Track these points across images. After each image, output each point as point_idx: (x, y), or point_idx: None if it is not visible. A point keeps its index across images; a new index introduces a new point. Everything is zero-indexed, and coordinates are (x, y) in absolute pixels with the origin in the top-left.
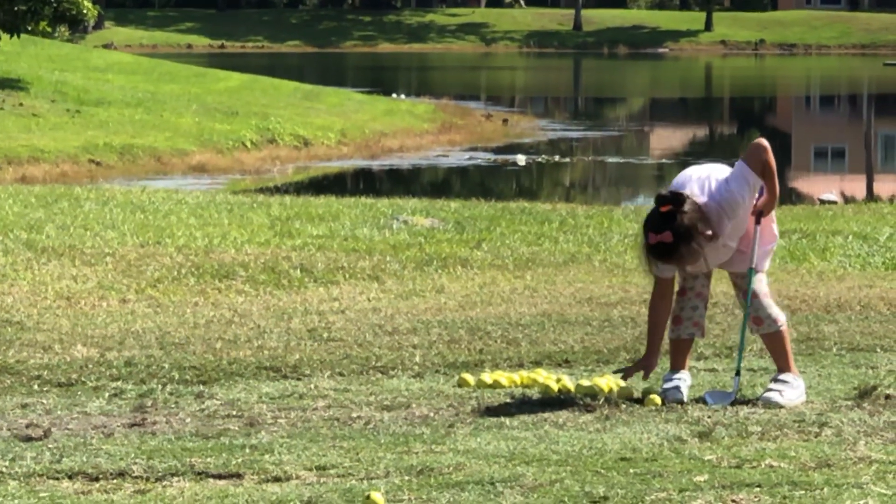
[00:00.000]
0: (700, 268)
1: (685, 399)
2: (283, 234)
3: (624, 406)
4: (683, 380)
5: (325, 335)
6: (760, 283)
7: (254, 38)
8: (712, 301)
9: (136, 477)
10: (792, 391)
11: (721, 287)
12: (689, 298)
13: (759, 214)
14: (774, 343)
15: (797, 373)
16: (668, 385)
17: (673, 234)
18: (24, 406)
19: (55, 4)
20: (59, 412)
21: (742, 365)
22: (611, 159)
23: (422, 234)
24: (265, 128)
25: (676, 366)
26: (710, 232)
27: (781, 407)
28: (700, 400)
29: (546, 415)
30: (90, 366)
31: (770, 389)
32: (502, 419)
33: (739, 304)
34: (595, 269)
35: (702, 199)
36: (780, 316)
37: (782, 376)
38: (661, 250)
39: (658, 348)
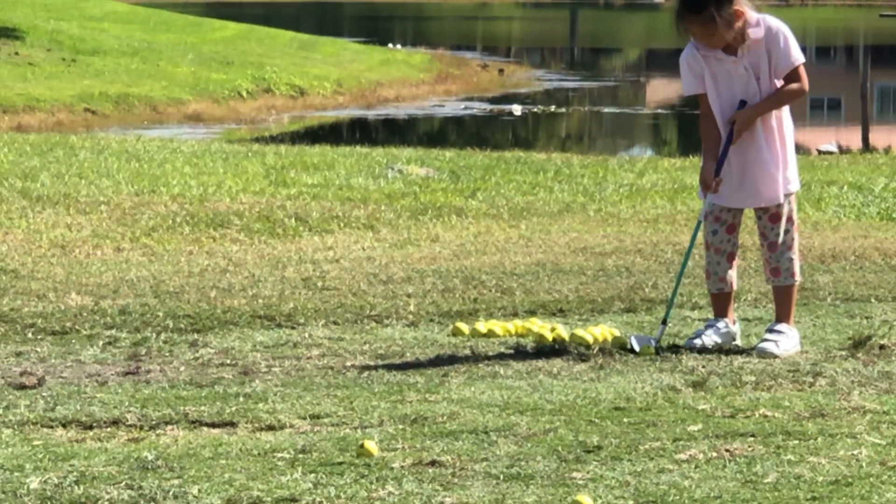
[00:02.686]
0: (716, 44)
1: (704, 344)
2: (277, 183)
3: (618, 356)
4: (718, 328)
5: (320, 284)
6: (789, 235)
7: None
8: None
9: (130, 425)
10: (787, 341)
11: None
12: (711, 254)
13: (733, 124)
14: (783, 295)
15: (793, 323)
16: (695, 334)
17: None
18: (18, 354)
19: None
20: (53, 360)
21: (670, 314)
22: (606, 109)
23: (417, 184)
24: (261, 77)
25: (717, 314)
26: (739, 8)
27: (777, 357)
28: (630, 346)
29: (540, 364)
30: (84, 314)
31: (766, 340)
32: (496, 368)
33: (761, 238)
34: (590, 218)
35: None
36: (798, 271)
37: (778, 326)
38: (692, 2)
39: (710, 158)
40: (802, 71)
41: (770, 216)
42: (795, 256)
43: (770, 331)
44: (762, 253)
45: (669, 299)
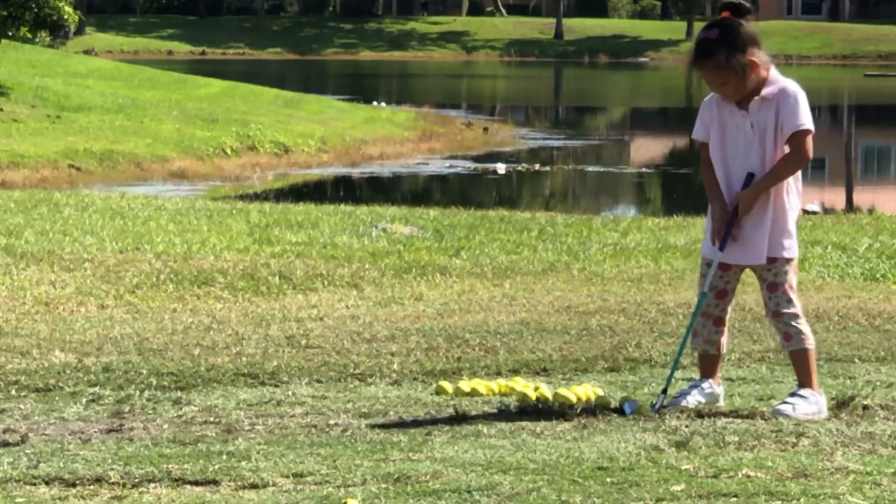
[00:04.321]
0: (729, 94)
1: (688, 405)
2: (262, 241)
3: (601, 415)
4: (702, 388)
5: (304, 342)
6: (792, 303)
7: (235, 45)
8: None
9: (113, 483)
10: (807, 406)
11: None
12: (700, 315)
13: (734, 214)
14: (799, 360)
15: (819, 390)
16: (679, 393)
17: (720, 32)
18: (1, 411)
19: (36, 10)
20: (36, 417)
21: (670, 385)
22: (591, 168)
23: (401, 242)
24: (245, 134)
25: (703, 375)
26: (754, 59)
27: (788, 418)
28: (620, 410)
29: (523, 423)
30: (68, 371)
31: (784, 402)
32: (480, 427)
33: (765, 308)
34: (574, 277)
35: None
36: (810, 335)
37: (801, 391)
38: (703, 48)
39: (715, 196)
40: (806, 138)
41: (768, 285)
42: (802, 323)
43: (792, 394)
44: (769, 321)
45: (671, 369)
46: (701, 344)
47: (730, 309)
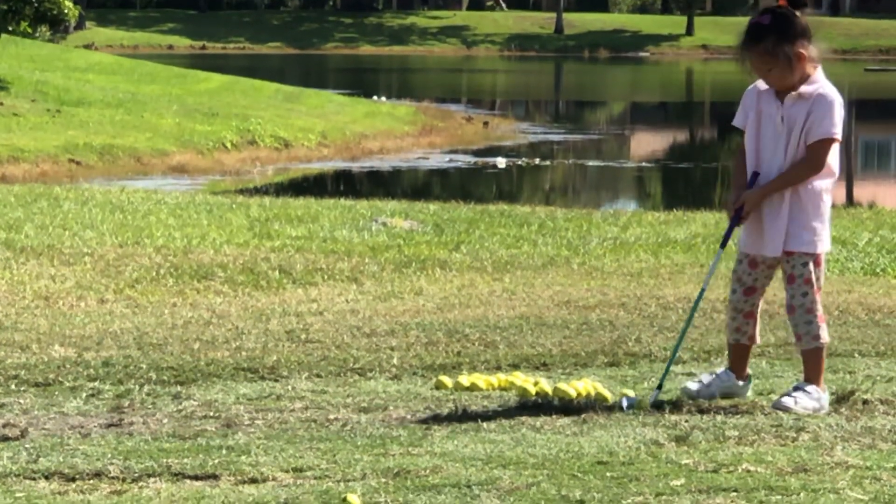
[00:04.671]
0: (772, 82)
1: (698, 393)
2: (262, 236)
3: (601, 409)
4: (720, 377)
5: (303, 336)
6: (808, 298)
7: (235, 40)
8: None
9: (113, 477)
10: (809, 400)
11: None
12: (729, 308)
13: (739, 210)
14: (808, 357)
15: (823, 388)
16: (698, 378)
17: (773, 19)
18: (0, 406)
19: (36, 4)
20: (36, 412)
21: (666, 379)
22: (591, 163)
23: (401, 236)
24: (245, 129)
25: (730, 365)
26: (803, 51)
27: (789, 411)
28: (619, 406)
29: (523, 418)
30: (68, 366)
31: (787, 395)
32: (479, 422)
33: (786, 301)
34: (573, 272)
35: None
36: (823, 335)
37: (807, 386)
38: (753, 32)
39: (737, 186)
40: (828, 148)
41: (787, 277)
42: (815, 320)
43: (795, 388)
44: (786, 300)
45: (666, 366)
46: (732, 333)
47: (760, 302)
